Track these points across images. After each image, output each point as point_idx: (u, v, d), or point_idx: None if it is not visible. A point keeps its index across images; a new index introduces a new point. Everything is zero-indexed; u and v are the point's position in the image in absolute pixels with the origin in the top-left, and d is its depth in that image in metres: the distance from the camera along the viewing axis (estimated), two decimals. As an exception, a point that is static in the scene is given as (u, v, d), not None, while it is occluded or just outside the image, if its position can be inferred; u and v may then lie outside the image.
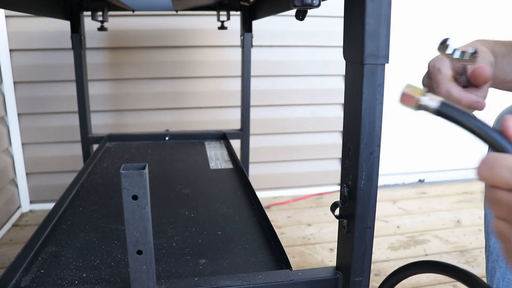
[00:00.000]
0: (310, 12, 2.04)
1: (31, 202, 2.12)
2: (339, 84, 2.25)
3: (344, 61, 0.61)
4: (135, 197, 0.51)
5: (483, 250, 1.82)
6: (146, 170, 0.52)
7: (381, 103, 0.57)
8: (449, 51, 0.61)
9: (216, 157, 1.49)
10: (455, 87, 0.67)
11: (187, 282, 0.63)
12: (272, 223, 0.88)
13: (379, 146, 0.58)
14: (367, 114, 0.57)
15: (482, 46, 0.74)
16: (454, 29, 2.34)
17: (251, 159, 2.13)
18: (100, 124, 2.06)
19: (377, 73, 0.56)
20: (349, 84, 0.59)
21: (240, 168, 1.32)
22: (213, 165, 1.40)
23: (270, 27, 2.08)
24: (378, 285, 1.63)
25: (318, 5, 0.56)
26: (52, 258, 0.78)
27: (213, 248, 0.81)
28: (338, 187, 0.62)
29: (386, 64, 0.57)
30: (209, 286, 0.62)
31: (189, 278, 0.66)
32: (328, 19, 2.15)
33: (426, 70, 0.74)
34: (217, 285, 0.62)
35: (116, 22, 1.95)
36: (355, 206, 0.60)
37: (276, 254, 0.79)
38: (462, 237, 1.93)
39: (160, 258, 0.78)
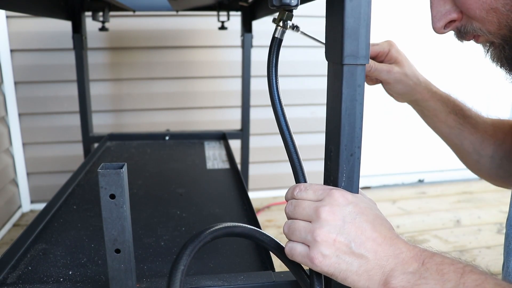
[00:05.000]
0: (310, 12, 2.04)
1: (32, 202, 2.14)
2: (340, 84, 2.24)
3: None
4: (112, 196, 0.52)
5: (482, 249, 1.82)
6: (124, 169, 0.52)
7: (361, 104, 0.57)
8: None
9: (214, 157, 1.49)
10: None
11: (168, 281, 0.63)
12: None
13: (359, 148, 0.58)
14: (347, 115, 0.56)
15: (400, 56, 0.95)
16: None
17: (251, 159, 2.13)
18: (100, 124, 2.07)
19: (356, 73, 0.56)
20: (330, 85, 0.59)
21: (235, 168, 1.32)
22: (210, 165, 1.40)
23: (270, 28, 2.08)
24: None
25: (296, 6, 0.56)
26: (41, 255, 0.79)
27: (200, 248, 0.81)
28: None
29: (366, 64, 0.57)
30: (189, 286, 0.62)
31: (171, 277, 0.67)
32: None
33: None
34: (198, 285, 0.62)
35: (117, 22, 1.96)
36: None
37: (262, 255, 0.79)
38: (462, 236, 1.92)
39: (147, 257, 0.78)
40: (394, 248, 0.52)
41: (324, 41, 0.90)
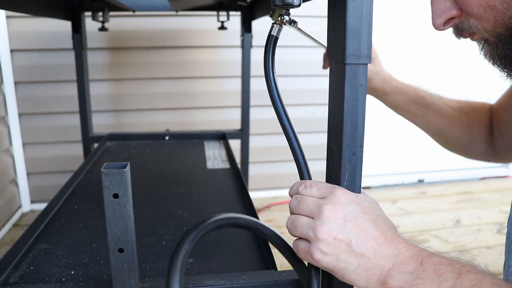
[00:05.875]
0: (310, 12, 2.04)
1: (32, 202, 2.14)
2: (340, 84, 2.25)
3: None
4: (116, 196, 0.52)
5: (483, 250, 1.82)
6: (128, 169, 0.52)
7: (364, 103, 0.57)
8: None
9: (214, 157, 1.49)
10: None
11: (171, 280, 0.63)
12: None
13: (361, 147, 0.58)
14: (349, 114, 0.57)
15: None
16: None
17: (251, 159, 2.13)
18: (100, 124, 2.07)
19: (359, 73, 0.56)
20: (332, 84, 0.60)
21: (236, 168, 1.32)
22: (210, 165, 1.40)
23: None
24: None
25: (299, 5, 0.56)
26: (42, 255, 0.79)
27: (202, 248, 0.81)
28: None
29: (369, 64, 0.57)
30: (192, 285, 0.62)
31: (173, 276, 0.67)
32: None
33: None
34: (201, 285, 0.62)
35: (117, 22, 1.96)
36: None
37: (264, 255, 0.79)
38: (462, 237, 1.93)
39: (149, 256, 0.78)
40: (394, 248, 0.52)
41: (317, 39, 0.89)
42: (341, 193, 0.55)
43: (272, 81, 0.64)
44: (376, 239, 0.52)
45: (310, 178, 0.62)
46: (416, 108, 1.07)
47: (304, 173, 0.62)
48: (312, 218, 0.55)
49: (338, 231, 0.52)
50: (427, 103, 1.05)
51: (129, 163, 0.53)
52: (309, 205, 0.56)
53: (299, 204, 0.57)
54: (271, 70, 0.64)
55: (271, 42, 0.65)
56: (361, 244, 0.52)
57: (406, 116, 1.11)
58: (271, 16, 0.66)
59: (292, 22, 0.66)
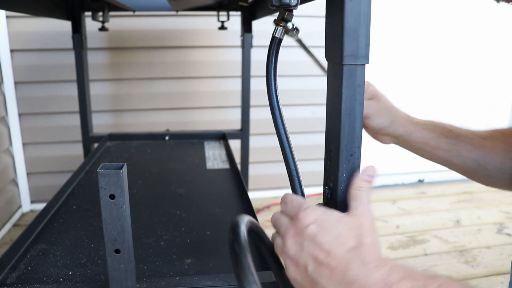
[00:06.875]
0: (310, 12, 2.04)
1: (32, 202, 2.14)
2: (340, 84, 2.25)
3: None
4: (112, 196, 0.52)
5: (482, 249, 1.82)
6: (124, 169, 0.52)
7: (361, 103, 0.57)
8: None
9: (214, 157, 1.49)
10: None
11: (168, 281, 0.63)
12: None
13: (359, 147, 0.58)
14: (346, 115, 0.56)
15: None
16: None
17: (251, 159, 2.13)
18: (100, 124, 2.07)
19: (356, 73, 0.56)
20: (330, 84, 0.59)
21: (235, 168, 1.32)
22: (209, 165, 1.40)
23: (270, 28, 2.08)
24: None
25: (296, 6, 0.56)
26: (40, 255, 0.79)
27: (200, 248, 0.81)
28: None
29: (366, 64, 0.57)
30: (190, 286, 0.62)
31: (171, 277, 0.67)
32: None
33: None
34: (198, 285, 0.62)
35: (117, 22, 1.96)
36: (336, 208, 0.59)
37: (262, 256, 0.79)
38: (462, 236, 1.92)
39: (147, 257, 0.78)
40: (351, 274, 0.50)
41: (315, 57, 0.87)
42: (302, 216, 0.55)
43: (273, 85, 0.63)
44: (328, 265, 0.51)
45: (302, 190, 0.63)
46: (447, 142, 0.93)
47: (296, 186, 0.63)
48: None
49: (298, 258, 0.53)
50: (457, 134, 0.92)
51: (125, 163, 0.53)
52: (281, 226, 0.57)
53: (275, 222, 0.59)
54: (272, 73, 0.63)
55: (275, 44, 0.64)
56: (316, 269, 0.52)
57: (437, 154, 0.95)
58: (274, 22, 0.65)
59: (295, 30, 0.64)
